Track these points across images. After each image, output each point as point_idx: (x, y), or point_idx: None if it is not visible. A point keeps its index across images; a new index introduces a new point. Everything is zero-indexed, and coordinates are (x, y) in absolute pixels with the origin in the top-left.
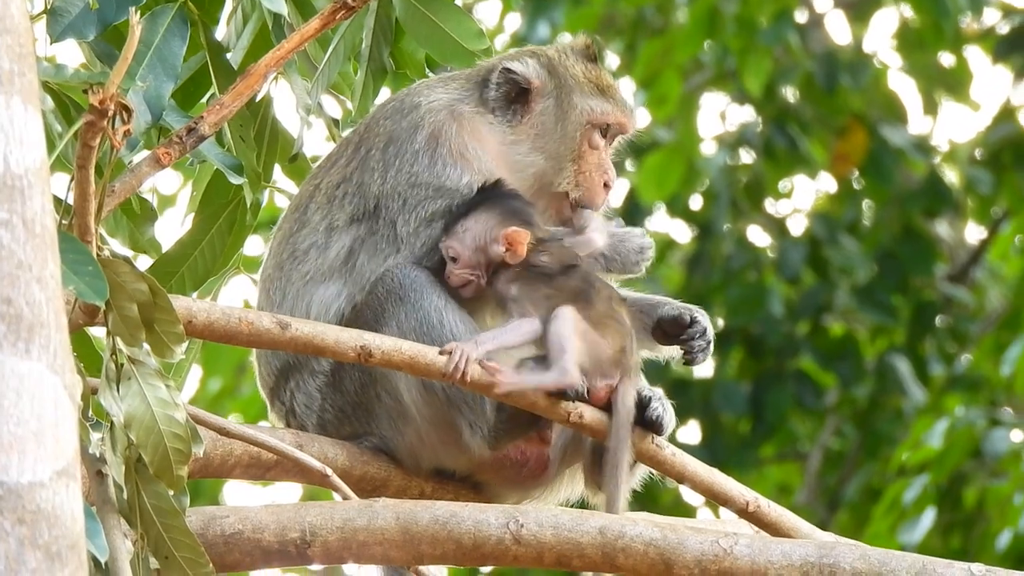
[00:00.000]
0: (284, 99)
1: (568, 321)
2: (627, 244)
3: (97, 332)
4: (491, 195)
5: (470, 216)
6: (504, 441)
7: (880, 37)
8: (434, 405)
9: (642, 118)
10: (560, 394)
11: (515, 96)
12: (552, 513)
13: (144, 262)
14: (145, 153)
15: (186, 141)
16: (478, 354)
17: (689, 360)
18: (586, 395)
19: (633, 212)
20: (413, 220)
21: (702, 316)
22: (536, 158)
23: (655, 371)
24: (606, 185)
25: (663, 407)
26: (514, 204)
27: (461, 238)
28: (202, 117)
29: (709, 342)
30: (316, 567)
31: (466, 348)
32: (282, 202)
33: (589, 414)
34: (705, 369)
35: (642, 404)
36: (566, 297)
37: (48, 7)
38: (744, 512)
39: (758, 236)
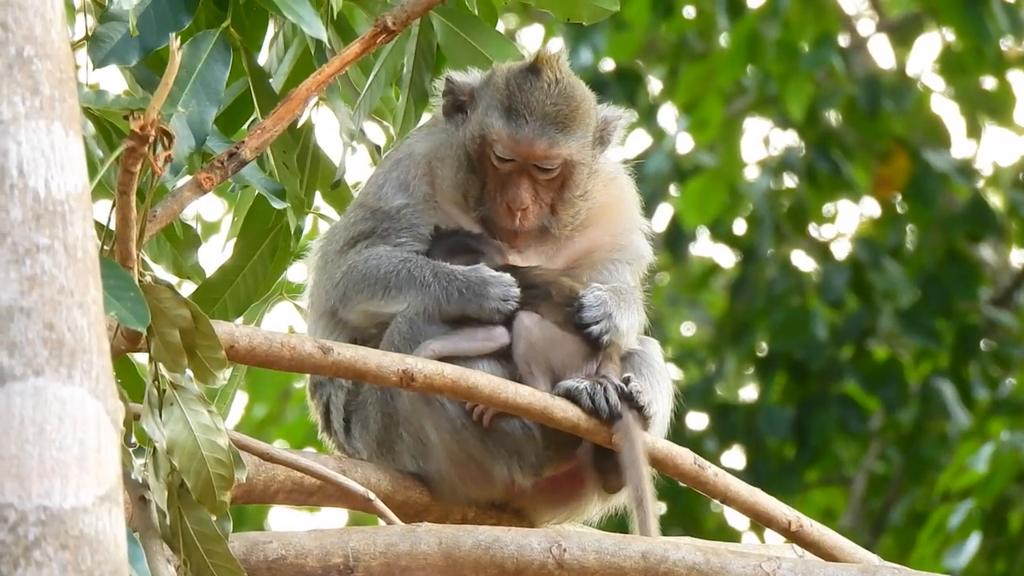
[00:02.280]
0: (325, 125)
1: (524, 332)
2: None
3: (140, 358)
4: (437, 237)
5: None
6: (547, 468)
7: (923, 61)
8: (465, 445)
9: (684, 143)
10: (597, 414)
11: (458, 107)
12: (595, 538)
13: (188, 289)
14: (188, 178)
15: (227, 166)
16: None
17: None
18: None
19: (676, 237)
20: (342, 239)
21: (590, 294)
22: (450, 172)
23: (699, 395)
24: (510, 208)
25: (639, 387)
26: (451, 242)
27: None
28: (243, 142)
29: (594, 314)
30: None
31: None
32: (324, 229)
33: None
34: (749, 393)
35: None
36: (521, 303)
37: (89, 33)
38: (787, 531)
39: (802, 260)
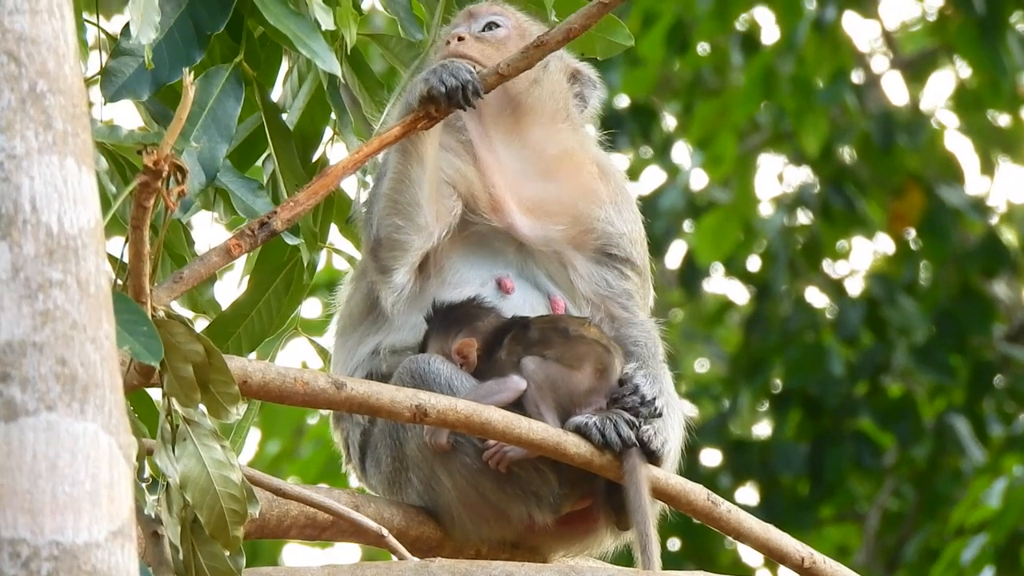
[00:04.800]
0: (340, 157)
1: (529, 375)
2: None
3: (156, 393)
4: (430, 319)
5: (426, 344)
6: (565, 505)
7: (937, 98)
8: (482, 489)
9: (698, 179)
10: (609, 447)
11: None
12: (608, 573)
13: (202, 324)
14: (205, 214)
15: (258, 235)
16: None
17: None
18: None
19: (690, 273)
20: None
21: (644, 380)
22: None
23: (713, 431)
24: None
25: (653, 430)
26: (448, 316)
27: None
28: (275, 212)
29: (643, 400)
30: None
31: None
32: (339, 263)
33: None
34: (763, 430)
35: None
36: (524, 349)
37: (103, 68)
38: (800, 568)
39: (816, 297)
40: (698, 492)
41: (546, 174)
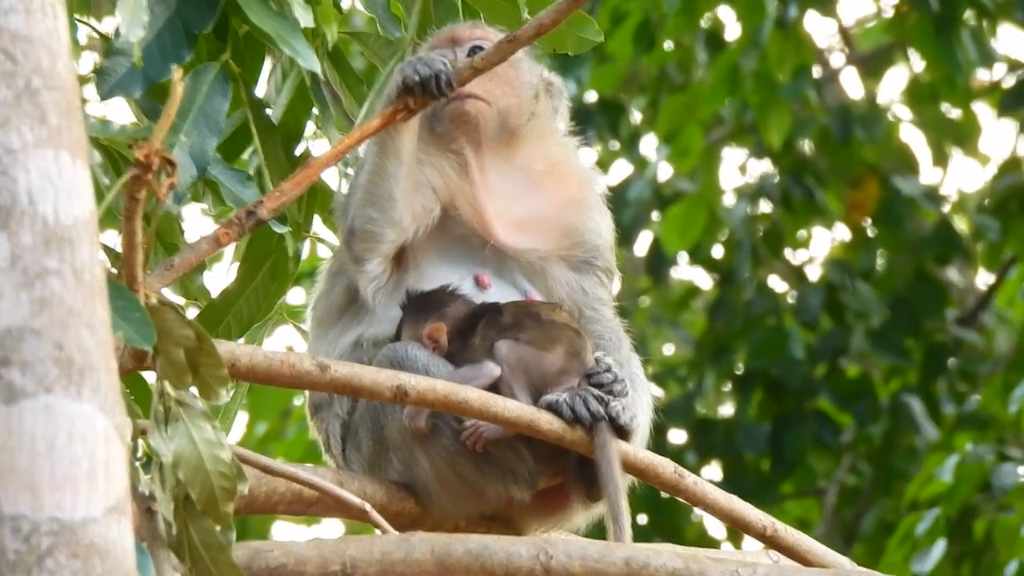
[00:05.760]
0: (322, 151)
1: (502, 358)
2: None
3: (150, 376)
4: (404, 307)
5: (400, 331)
6: (541, 481)
7: (892, 92)
8: (460, 470)
9: (665, 171)
10: (579, 422)
11: None
12: (580, 545)
13: (193, 312)
14: (196, 206)
15: (245, 223)
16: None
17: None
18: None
19: (657, 261)
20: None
21: (614, 362)
22: None
23: (679, 411)
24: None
25: (622, 405)
26: (420, 303)
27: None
28: (261, 202)
29: (616, 378)
30: None
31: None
32: (323, 252)
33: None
34: (727, 410)
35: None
36: (497, 334)
37: (97, 67)
38: (762, 536)
39: (777, 283)
40: (665, 465)
41: (535, 192)
